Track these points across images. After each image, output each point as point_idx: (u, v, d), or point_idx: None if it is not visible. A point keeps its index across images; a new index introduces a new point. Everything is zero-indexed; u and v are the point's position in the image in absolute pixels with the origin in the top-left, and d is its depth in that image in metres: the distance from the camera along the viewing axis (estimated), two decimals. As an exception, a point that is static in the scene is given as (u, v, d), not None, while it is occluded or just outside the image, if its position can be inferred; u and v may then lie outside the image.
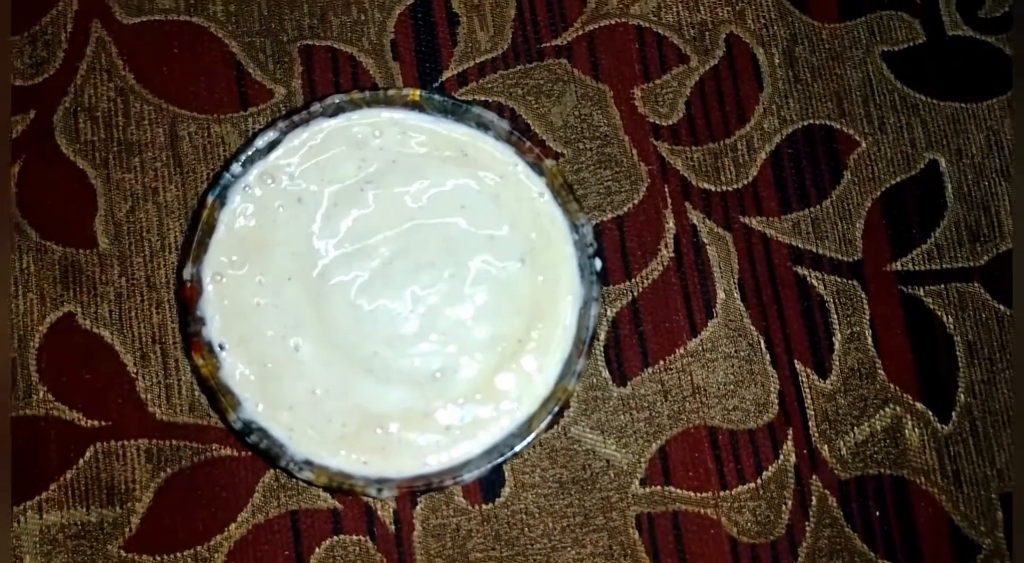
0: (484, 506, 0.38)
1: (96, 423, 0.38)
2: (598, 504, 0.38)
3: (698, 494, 0.39)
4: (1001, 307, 0.41)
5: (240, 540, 0.37)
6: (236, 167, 0.33)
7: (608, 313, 0.40)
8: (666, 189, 0.41)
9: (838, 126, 0.42)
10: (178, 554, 0.37)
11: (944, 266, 0.41)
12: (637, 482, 0.39)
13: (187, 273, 0.32)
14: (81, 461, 0.38)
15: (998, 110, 0.43)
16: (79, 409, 0.38)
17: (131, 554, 0.37)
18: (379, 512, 0.38)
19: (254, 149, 0.33)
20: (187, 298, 0.33)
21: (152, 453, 0.38)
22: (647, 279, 0.40)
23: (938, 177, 0.42)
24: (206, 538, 0.37)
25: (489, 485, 0.38)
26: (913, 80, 0.43)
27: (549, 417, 0.32)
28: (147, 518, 0.38)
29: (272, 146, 0.34)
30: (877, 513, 0.39)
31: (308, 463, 0.32)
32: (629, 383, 0.39)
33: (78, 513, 0.37)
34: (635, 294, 0.40)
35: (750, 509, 0.39)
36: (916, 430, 0.40)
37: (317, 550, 0.38)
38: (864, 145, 0.42)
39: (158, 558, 0.37)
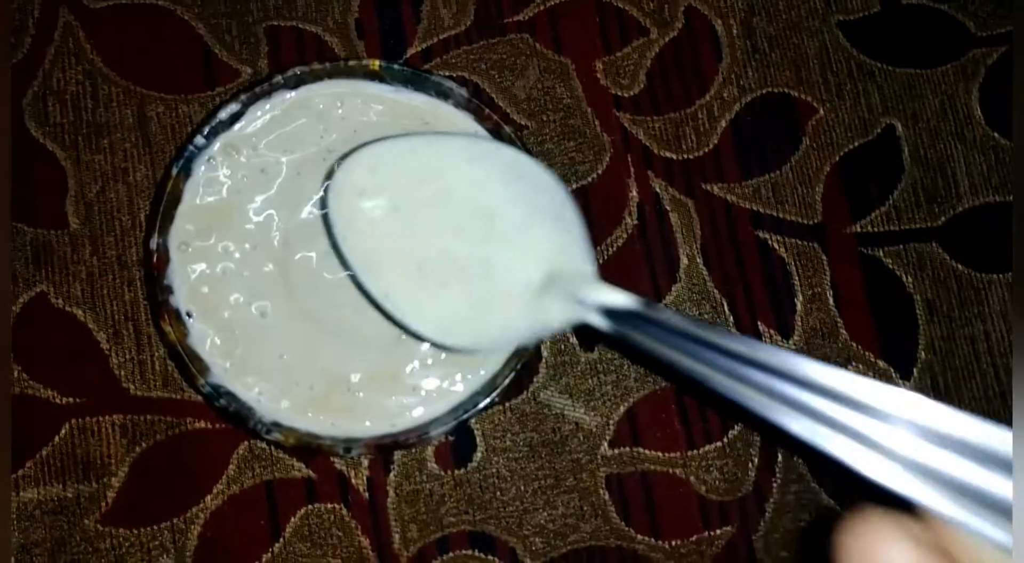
0: (456, 471, 0.39)
1: (71, 400, 0.39)
2: (568, 466, 0.39)
3: (666, 454, 0.39)
4: (959, 266, 0.42)
5: (216, 511, 0.38)
6: (199, 139, 0.34)
7: (574, 280, 0.41)
8: (629, 158, 0.42)
9: (796, 94, 0.43)
10: (155, 527, 0.38)
11: (902, 227, 0.42)
12: (606, 444, 0.39)
13: (153, 243, 0.33)
14: (56, 438, 0.38)
15: (952, 75, 0.44)
16: (53, 387, 0.39)
17: (108, 528, 0.38)
18: (353, 480, 0.39)
19: (217, 121, 0.34)
20: (154, 267, 0.33)
21: (127, 428, 0.38)
22: (612, 247, 0.41)
23: (895, 141, 0.43)
24: (182, 510, 0.38)
25: (461, 450, 0.39)
26: (869, 48, 0.44)
27: (512, 374, 0.33)
28: (123, 492, 0.38)
29: (236, 118, 0.35)
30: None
31: (276, 425, 0.32)
32: (596, 348, 0.40)
33: (54, 489, 0.38)
34: (600, 262, 0.41)
35: (717, 467, 0.39)
36: (879, 387, 0.41)
37: (293, 519, 0.38)
38: (822, 112, 0.43)
39: (135, 531, 0.38)
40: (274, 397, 0.33)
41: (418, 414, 0.33)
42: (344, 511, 0.38)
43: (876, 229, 0.42)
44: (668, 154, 0.42)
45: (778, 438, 0.39)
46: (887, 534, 0.15)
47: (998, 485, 0.15)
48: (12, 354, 0.39)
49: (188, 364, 0.32)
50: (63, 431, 0.38)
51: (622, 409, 0.40)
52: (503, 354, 0.33)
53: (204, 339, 0.33)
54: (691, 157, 0.42)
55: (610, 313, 0.25)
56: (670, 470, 0.39)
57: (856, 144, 0.43)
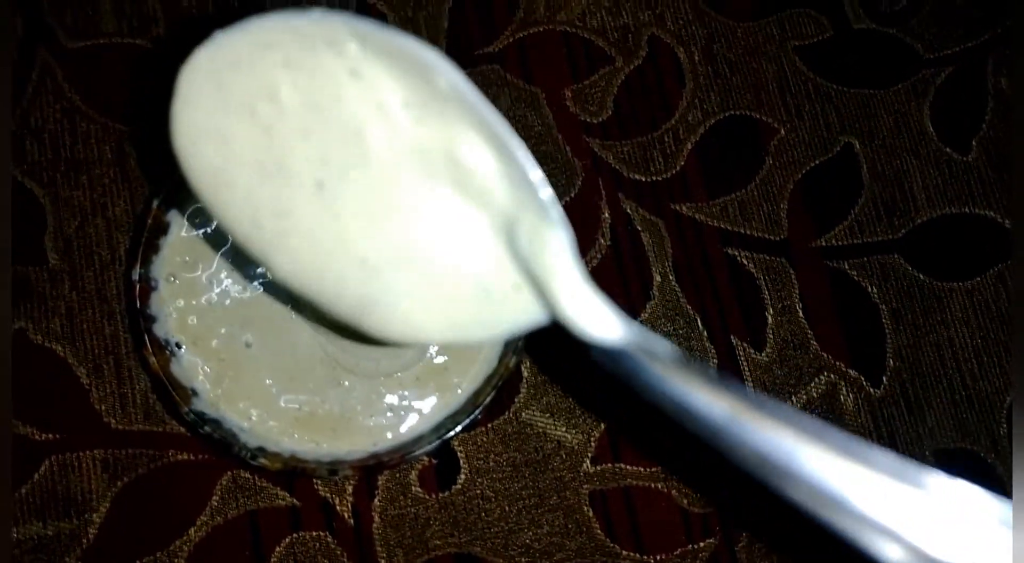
0: (441, 494, 0.39)
1: (50, 436, 0.38)
2: (552, 484, 0.39)
3: (647, 469, 0.40)
4: (921, 275, 0.44)
5: (199, 543, 0.38)
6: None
7: (551, 301, 0.41)
8: (600, 182, 0.43)
9: (758, 116, 0.45)
10: (137, 562, 0.37)
11: (865, 240, 0.44)
12: (588, 461, 0.40)
13: (135, 274, 0.33)
14: (36, 475, 0.38)
15: (904, 94, 0.46)
16: (33, 424, 0.38)
17: (90, 565, 0.37)
18: (337, 507, 0.39)
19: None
20: (137, 296, 0.33)
21: (108, 463, 0.38)
22: (587, 267, 0.42)
23: (853, 158, 0.45)
24: (165, 543, 0.38)
25: (445, 472, 0.39)
26: (825, 70, 0.46)
27: (493, 392, 0.33)
28: (105, 528, 0.38)
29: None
30: (821, 480, 0.41)
31: (261, 450, 0.33)
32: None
33: (35, 527, 0.37)
34: (576, 282, 0.42)
35: (698, 479, 0.40)
36: (850, 395, 0.42)
37: (278, 548, 0.38)
38: (783, 132, 0.45)
39: (117, 567, 0.37)
40: (264, 420, 0.33)
41: (401, 434, 0.34)
42: (329, 538, 0.38)
43: (840, 242, 0.44)
44: (637, 176, 0.43)
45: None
46: None
47: None
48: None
49: (171, 392, 0.32)
50: (43, 468, 0.38)
51: (603, 426, 0.40)
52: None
53: (193, 368, 0.34)
54: (659, 179, 0.44)
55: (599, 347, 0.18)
56: (652, 484, 0.40)
57: (817, 162, 0.45)
